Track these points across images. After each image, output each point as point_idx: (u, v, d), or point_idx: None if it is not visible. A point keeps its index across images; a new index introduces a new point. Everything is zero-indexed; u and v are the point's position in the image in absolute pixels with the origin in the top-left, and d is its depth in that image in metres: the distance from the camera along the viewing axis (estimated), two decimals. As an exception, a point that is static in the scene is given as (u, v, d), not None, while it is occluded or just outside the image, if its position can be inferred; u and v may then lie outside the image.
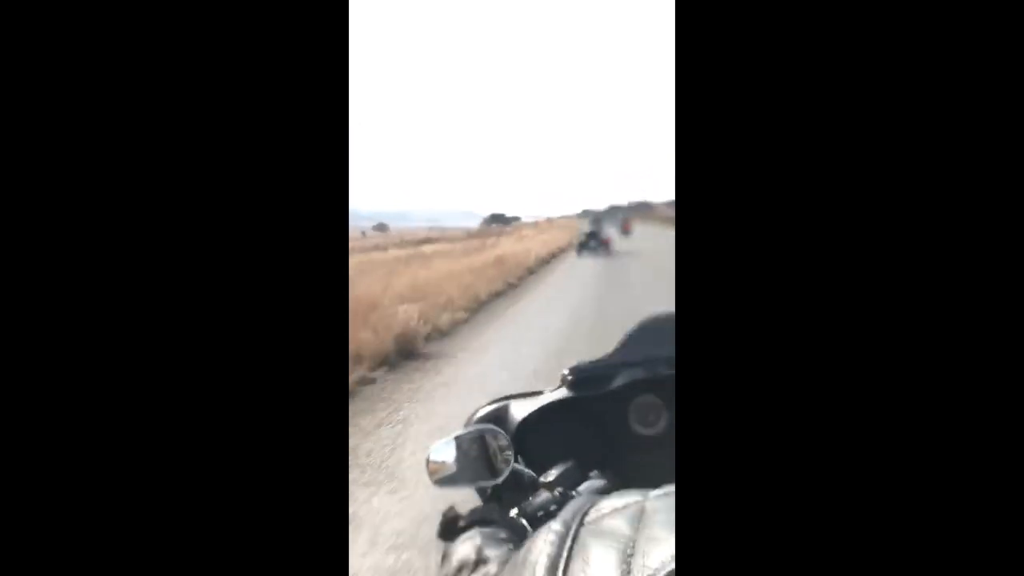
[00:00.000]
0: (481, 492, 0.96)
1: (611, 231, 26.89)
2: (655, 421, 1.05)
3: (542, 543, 0.35)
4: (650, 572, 0.29)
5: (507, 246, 21.31)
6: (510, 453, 0.86)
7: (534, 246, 21.33)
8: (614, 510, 0.35)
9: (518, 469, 0.87)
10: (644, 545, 0.31)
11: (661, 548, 0.30)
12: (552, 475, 0.86)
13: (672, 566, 0.29)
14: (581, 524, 0.35)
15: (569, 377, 1.09)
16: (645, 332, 1.13)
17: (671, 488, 0.35)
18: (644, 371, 1.07)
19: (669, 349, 1.04)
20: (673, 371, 1.01)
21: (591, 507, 0.37)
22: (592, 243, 19.59)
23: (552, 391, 1.11)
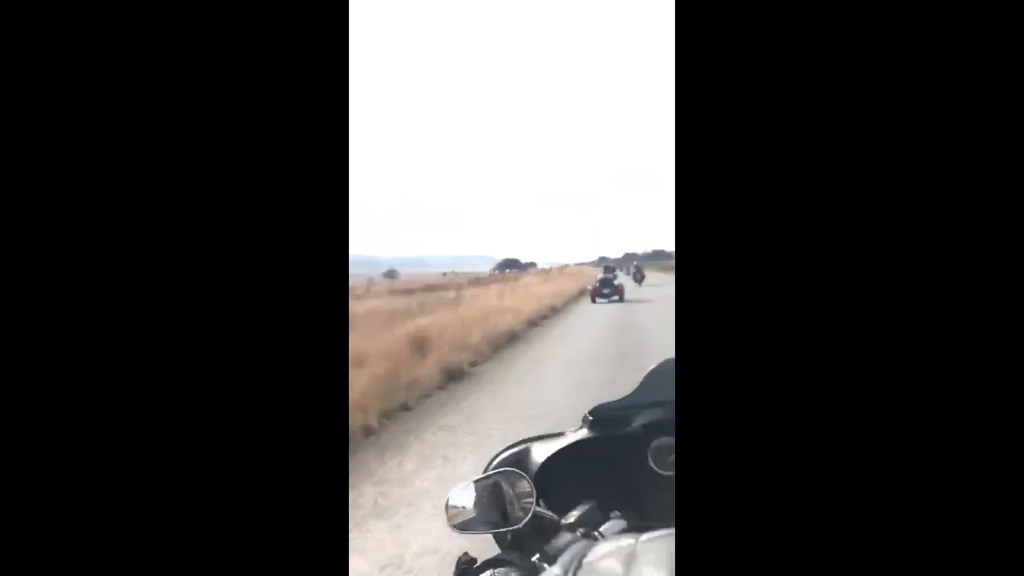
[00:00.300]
0: (501, 538, 0.94)
1: (625, 279, 28.60)
2: (674, 463, 1.03)
3: None
4: None
5: (479, 303, 15.89)
6: (531, 498, 0.86)
7: (515, 303, 15.87)
8: (608, 553, 0.38)
9: (539, 512, 0.86)
10: None
11: None
12: (573, 516, 0.86)
13: None
14: (579, 567, 0.38)
15: (590, 418, 1.10)
16: (662, 375, 1.12)
17: (662, 532, 0.37)
18: (663, 413, 1.07)
19: None
20: None
21: (589, 550, 0.40)
22: (606, 291, 20.42)
23: (573, 432, 1.11)
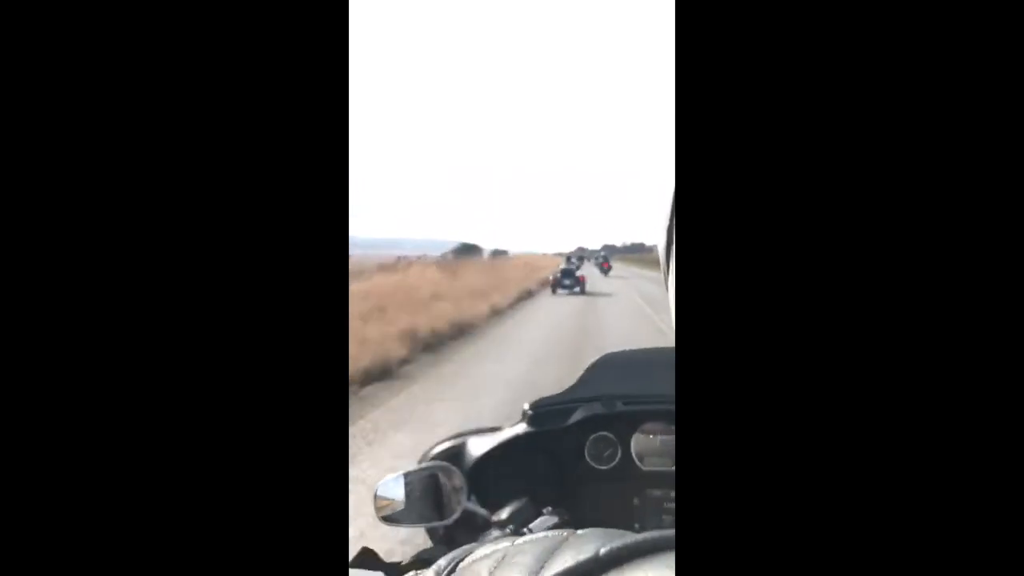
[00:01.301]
0: (433, 532, 0.94)
1: (591, 269, 28.99)
2: (610, 457, 1.08)
3: None
4: None
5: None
6: (463, 495, 0.86)
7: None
8: (483, 556, 0.37)
9: (471, 509, 0.87)
10: None
11: None
12: (505, 513, 0.86)
13: None
14: (452, 571, 0.37)
15: (529, 412, 1.12)
16: (602, 369, 1.15)
17: (535, 536, 0.37)
18: (602, 407, 1.10)
19: (624, 386, 1.12)
20: (627, 408, 1.10)
21: (469, 554, 0.39)
22: (567, 281, 20.14)
23: (512, 426, 1.13)
